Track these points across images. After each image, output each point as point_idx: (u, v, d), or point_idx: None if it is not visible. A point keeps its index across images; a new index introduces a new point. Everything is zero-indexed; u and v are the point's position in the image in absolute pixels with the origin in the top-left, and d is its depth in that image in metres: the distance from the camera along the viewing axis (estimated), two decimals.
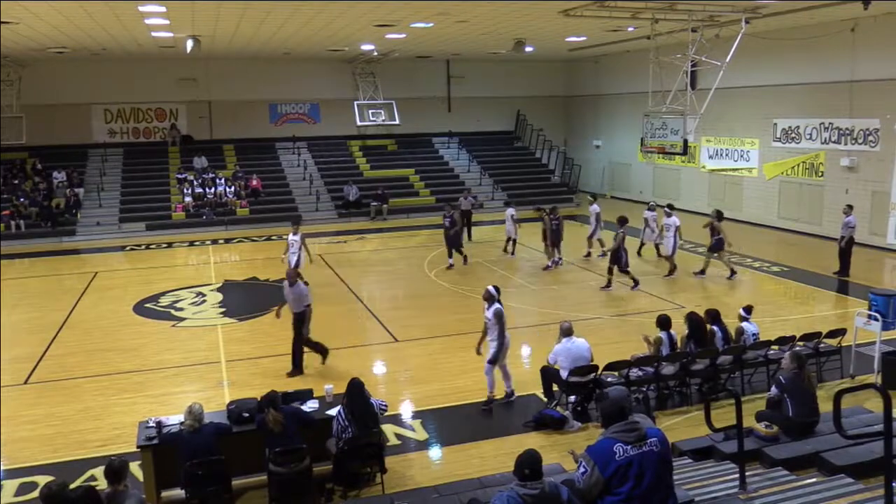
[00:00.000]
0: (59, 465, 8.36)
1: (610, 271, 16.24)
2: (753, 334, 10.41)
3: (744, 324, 10.48)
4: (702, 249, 20.26)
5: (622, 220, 16.29)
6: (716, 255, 16.96)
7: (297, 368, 11.33)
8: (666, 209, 17.58)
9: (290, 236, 16.76)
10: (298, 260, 16.39)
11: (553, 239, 18.29)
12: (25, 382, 11.34)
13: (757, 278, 17.35)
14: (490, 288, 9.95)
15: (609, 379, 9.52)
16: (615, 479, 4.29)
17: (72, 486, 5.23)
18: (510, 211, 20.17)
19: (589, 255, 19.62)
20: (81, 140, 28.82)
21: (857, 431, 6.27)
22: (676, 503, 4.59)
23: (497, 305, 9.79)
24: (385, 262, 19.46)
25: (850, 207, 16.93)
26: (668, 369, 9.87)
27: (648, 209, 19.42)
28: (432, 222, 25.99)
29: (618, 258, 16.01)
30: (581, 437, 8.88)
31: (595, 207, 19.49)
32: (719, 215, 17.06)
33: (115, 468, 5.43)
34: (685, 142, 18.75)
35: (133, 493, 5.61)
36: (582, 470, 4.42)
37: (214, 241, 23.78)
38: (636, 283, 16.06)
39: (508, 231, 20.02)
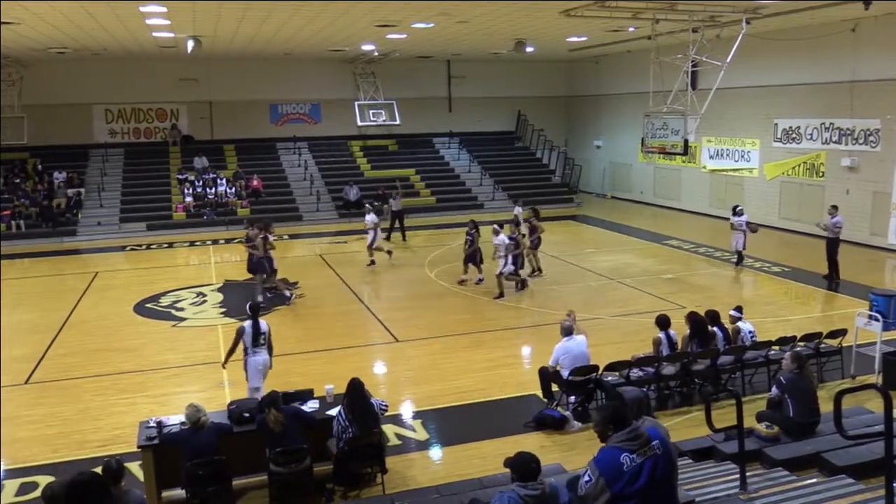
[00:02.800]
0: (59, 465, 8.35)
1: (479, 270, 16.69)
2: (749, 332, 10.41)
3: (738, 324, 10.49)
4: (703, 250, 20.32)
5: (473, 224, 16.75)
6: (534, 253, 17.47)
7: None
8: (515, 220, 17.23)
9: (270, 237, 16.29)
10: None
11: (467, 254, 16.78)
12: (26, 382, 11.34)
13: (758, 278, 17.36)
14: (251, 302, 9.58)
15: (609, 378, 9.52)
16: (626, 489, 4.23)
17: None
18: (517, 209, 20.21)
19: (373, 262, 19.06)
20: (82, 140, 28.81)
21: (857, 432, 6.27)
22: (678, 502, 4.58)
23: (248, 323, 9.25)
24: (385, 262, 19.44)
25: (835, 208, 16.76)
26: (668, 370, 9.87)
27: (735, 214, 17.93)
28: (433, 222, 26.06)
29: (472, 257, 16.54)
30: (582, 437, 8.89)
31: (372, 217, 19.02)
32: (537, 213, 17.68)
33: (113, 469, 5.41)
34: (686, 142, 18.72)
35: (134, 494, 5.60)
36: (587, 479, 4.33)
37: (215, 242, 23.78)
38: (475, 281, 16.67)
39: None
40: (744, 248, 18.01)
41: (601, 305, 15.13)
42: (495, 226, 16.19)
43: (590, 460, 4.40)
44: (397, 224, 23.09)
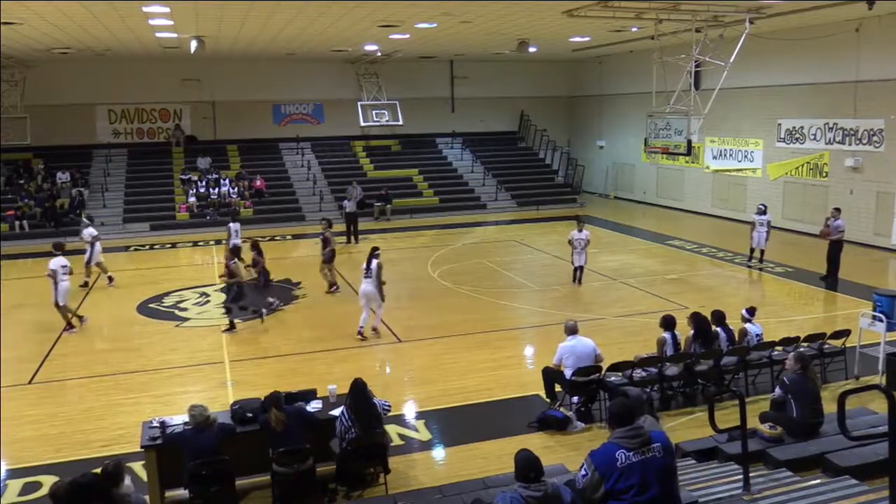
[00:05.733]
0: (62, 465, 8.35)
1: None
2: (757, 335, 10.39)
3: (747, 325, 10.46)
4: (706, 250, 20.28)
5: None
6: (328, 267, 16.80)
7: None
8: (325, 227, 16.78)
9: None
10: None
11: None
12: (29, 382, 11.36)
13: (761, 279, 17.33)
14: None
15: (612, 379, 9.50)
16: (617, 485, 4.28)
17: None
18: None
19: (86, 283, 17.44)
20: (86, 140, 28.86)
21: (861, 433, 6.27)
22: None
23: None
24: (388, 263, 19.28)
25: (838, 210, 16.77)
26: (671, 370, 9.85)
27: (758, 213, 18.07)
28: (436, 223, 26.07)
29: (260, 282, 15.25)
30: (585, 437, 8.88)
31: (90, 231, 17.64)
32: (329, 224, 17.19)
33: (109, 472, 5.39)
34: (689, 142, 18.66)
35: (135, 497, 5.59)
36: (583, 472, 4.44)
37: (218, 242, 23.73)
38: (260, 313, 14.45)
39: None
40: (765, 247, 18.04)
41: (604, 305, 15.11)
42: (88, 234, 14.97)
43: (587, 454, 4.45)
44: (352, 227, 22.87)
